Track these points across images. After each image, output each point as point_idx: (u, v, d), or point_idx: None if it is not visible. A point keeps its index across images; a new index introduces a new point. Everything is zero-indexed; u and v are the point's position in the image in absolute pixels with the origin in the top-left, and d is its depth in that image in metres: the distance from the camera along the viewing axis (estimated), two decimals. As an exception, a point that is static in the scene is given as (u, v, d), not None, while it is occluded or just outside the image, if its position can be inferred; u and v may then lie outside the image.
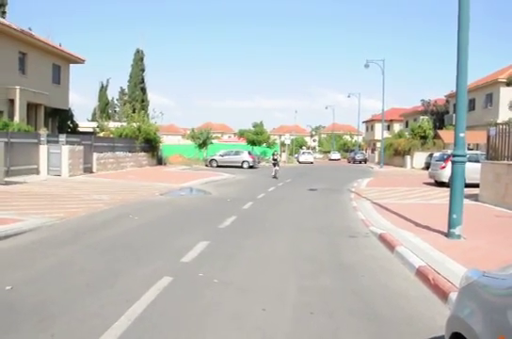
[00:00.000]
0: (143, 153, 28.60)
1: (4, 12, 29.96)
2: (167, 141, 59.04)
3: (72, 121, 30.44)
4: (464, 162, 7.15)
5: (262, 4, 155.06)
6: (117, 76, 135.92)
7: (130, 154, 26.59)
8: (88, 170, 21.00)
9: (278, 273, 5.57)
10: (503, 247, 6.73)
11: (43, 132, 19.18)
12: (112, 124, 31.49)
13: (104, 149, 23.34)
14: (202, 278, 5.24)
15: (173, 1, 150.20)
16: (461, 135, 7.14)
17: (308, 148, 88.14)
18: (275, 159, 24.24)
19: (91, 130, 30.57)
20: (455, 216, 7.13)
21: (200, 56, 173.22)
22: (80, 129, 31.88)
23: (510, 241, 7.20)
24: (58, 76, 26.92)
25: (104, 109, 53.59)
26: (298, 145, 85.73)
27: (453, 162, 7.20)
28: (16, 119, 21.68)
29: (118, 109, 57.27)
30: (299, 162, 51.00)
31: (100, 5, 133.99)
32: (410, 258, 5.99)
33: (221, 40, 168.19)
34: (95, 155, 21.83)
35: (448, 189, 16.69)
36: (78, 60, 28.25)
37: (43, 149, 18.53)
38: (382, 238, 7.53)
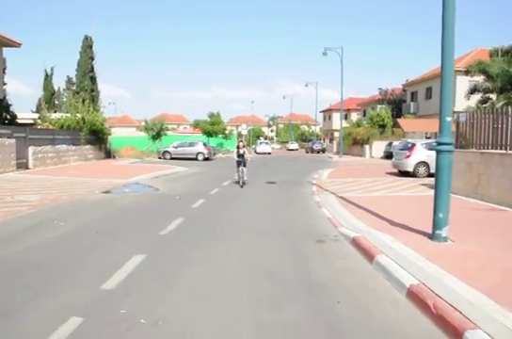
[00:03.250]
0: (89, 146, 26.41)
1: None
2: (120, 133, 56.30)
3: (8, 112, 27.65)
4: (451, 151, 6.00)
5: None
6: (65, 65, 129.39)
7: (74, 147, 24.38)
8: (23, 166, 18.82)
9: (229, 302, 4.20)
10: (498, 250, 5.65)
11: (-35, 123, 16.89)
12: (56, 115, 28.95)
13: (43, 142, 21.07)
14: (125, 316, 3.79)
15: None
16: (448, 119, 5.97)
17: (265, 138, 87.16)
18: (240, 155, 14.70)
19: (32, 121, 27.97)
20: (441, 215, 5.99)
21: (157, 48, 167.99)
22: (20, 121, 29.13)
23: (503, 243, 6.14)
24: (-12, 62, 24.20)
25: (49, 100, 50.15)
26: (256, 135, 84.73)
27: (438, 152, 6.02)
28: None
29: (65, 100, 53.84)
30: (257, 153, 49.65)
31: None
32: (396, 272, 4.77)
33: (177, 32, 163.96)
34: (31, 149, 19.60)
35: (413, 179, 16.15)
36: (12, 43, 25.34)
37: (-35, 142, 16.31)
38: (356, 243, 6.30)
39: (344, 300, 4.26)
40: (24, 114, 31.01)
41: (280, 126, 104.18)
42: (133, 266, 5.31)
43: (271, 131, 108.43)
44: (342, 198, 11.32)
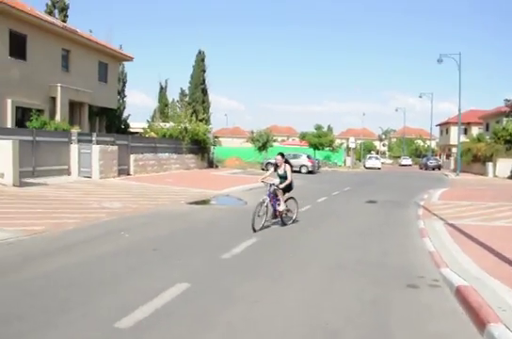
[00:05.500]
0: (191, 155, 26.75)
1: (66, 16, 29.32)
2: (229, 144, 57.65)
3: (120, 121, 29.38)
4: None
5: (334, 7, 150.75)
6: (180, 77, 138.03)
7: (175, 156, 24.81)
8: (125, 173, 19.35)
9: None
10: None
11: (75, 130, 17.78)
12: (162, 125, 30.16)
13: (145, 150, 21.64)
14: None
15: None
16: None
17: (377, 152, 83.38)
18: (281, 176, 9.53)
19: (142, 130, 29.42)
20: None
21: (273, 61, 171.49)
22: (133, 130, 30.84)
23: None
24: (105, 74, 25.75)
25: (163, 110, 53.29)
26: (367, 149, 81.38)
27: None
28: (58, 117, 20.62)
29: (178, 110, 56.74)
30: (366, 167, 47.18)
31: (162, 3, 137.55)
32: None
33: (291, 45, 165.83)
34: (132, 157, 20.15)
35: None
36: (126, 58, 27.04)
37: (74, 148, 17.10)
38: (461, 297, 4.62)
39: None
40: (137, 123, 32.85)
41: (393, 140, 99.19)
42: (167, 299, 4.35)
43: (383, 145, 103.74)
44: (452, 226, 9.35)
